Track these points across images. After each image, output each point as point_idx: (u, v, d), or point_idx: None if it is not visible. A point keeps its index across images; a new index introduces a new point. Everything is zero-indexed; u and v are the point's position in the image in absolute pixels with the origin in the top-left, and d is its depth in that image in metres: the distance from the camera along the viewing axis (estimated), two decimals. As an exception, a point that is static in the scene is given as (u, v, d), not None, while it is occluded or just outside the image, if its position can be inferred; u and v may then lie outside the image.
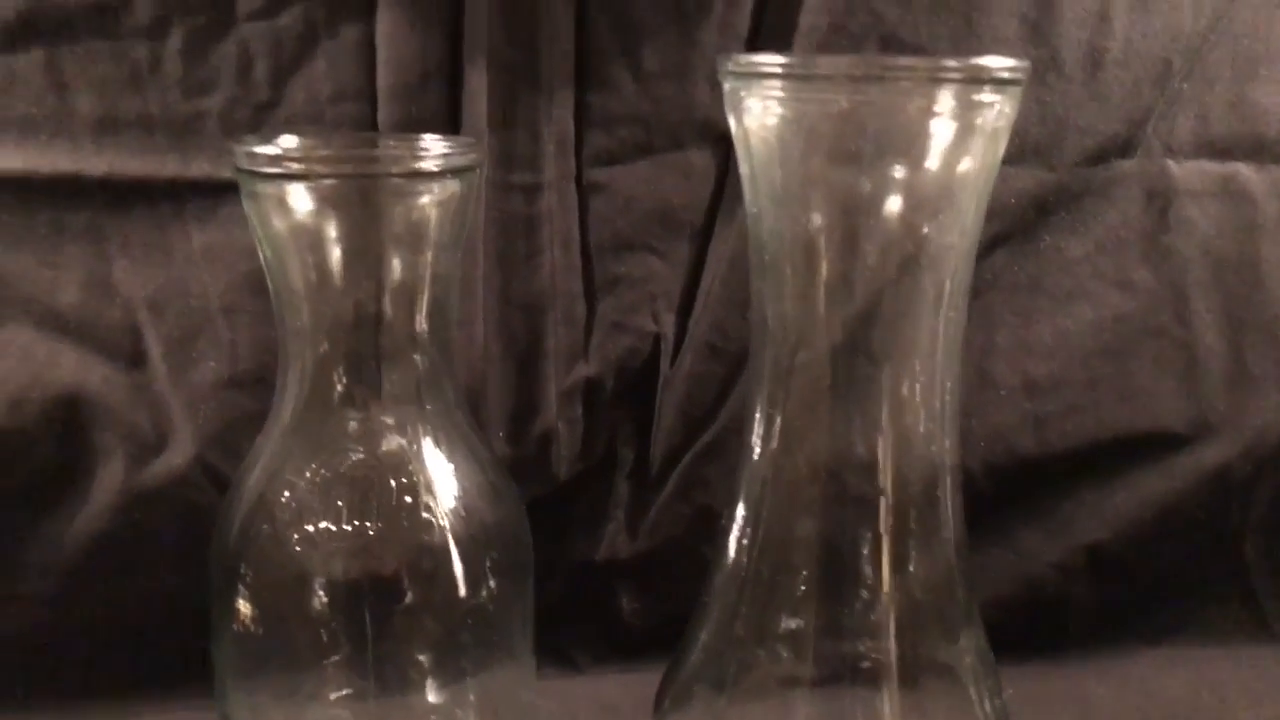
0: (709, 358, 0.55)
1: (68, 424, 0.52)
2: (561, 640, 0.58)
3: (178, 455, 0.53)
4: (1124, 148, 0.56)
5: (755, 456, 0.36)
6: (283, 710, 0.41)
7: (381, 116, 0.52)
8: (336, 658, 0.40)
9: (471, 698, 0.43)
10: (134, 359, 0.53)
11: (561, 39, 0.52)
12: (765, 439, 0.35)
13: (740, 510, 0.36)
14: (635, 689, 0.50)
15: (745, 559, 0.36)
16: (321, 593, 0.39)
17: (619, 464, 0.57)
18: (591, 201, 0.55)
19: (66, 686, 0.54)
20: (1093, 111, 0.55)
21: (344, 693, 0.40)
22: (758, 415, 0.35)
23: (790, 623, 0.36)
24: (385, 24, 0.51)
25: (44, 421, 0.52)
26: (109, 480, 0.53)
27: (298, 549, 0.39)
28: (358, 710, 0.41)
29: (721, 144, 0.55)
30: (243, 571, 0.40)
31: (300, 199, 0.38)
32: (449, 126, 0.53)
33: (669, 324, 0.56)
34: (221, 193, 0.53)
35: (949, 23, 0.52)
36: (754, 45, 0.54)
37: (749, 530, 0.36)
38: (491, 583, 0.41)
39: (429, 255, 0.39)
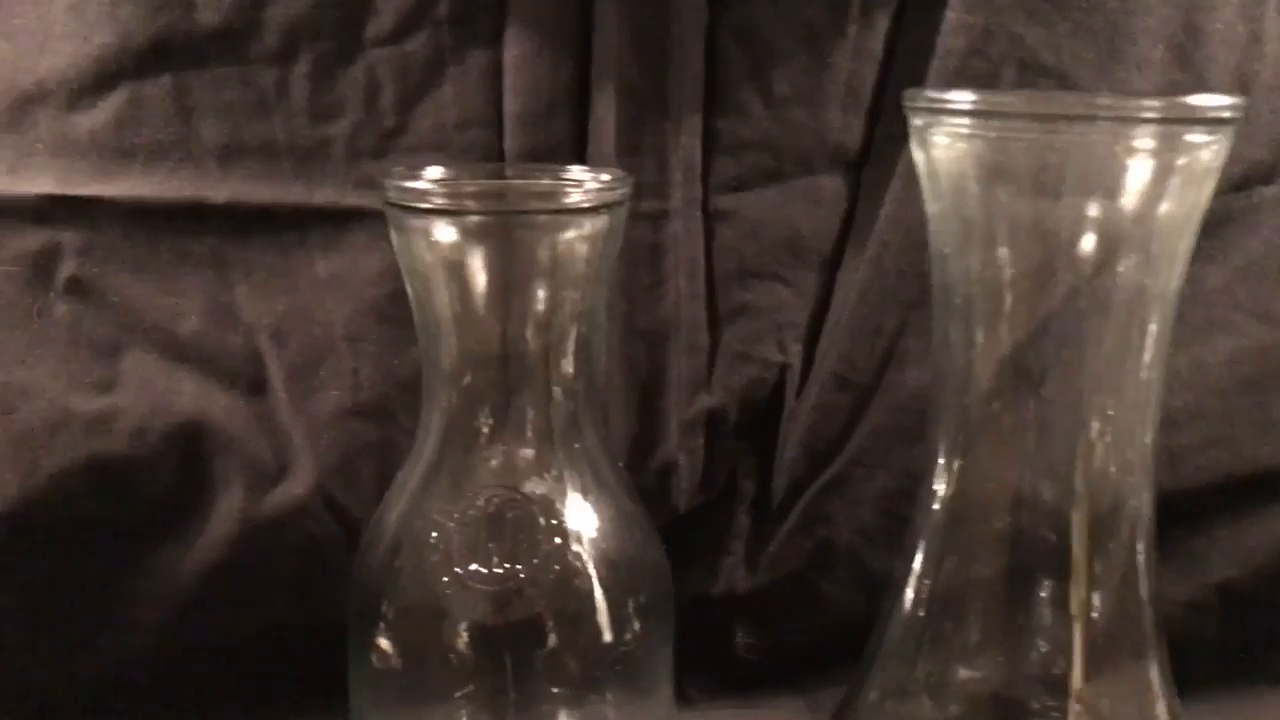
0: (836, 389, 0.54)
1: (188, 453, 0.51)
2: (674, 673, 0.56)
3: (297, 485, 0.52)
4: (1268, 174, 0.54)
5: (935, 504, 0.34)
6: None
7: (508, 144, 0.51)
8: (475, 694, 0.39)
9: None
10: (255, 387, 0.52)
11: (691, 63, 0.51)
12: (947, 484, 0.34)
13: (919, 558, 0.35)
14: None
15: (923, 609, 0.35)
16: (466, 633, 0.39)
17: (739, 496, 0.56)
18: (718, 229, 0.54)
19: (180, 718, 0.53)
20: (1238, 137, 0.53)
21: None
22: (940, 460, 0.34)
23: (970, 673, 0.35)
24: (514, 50, 0.50)
25: (164, 450, 0.51)
26: (227, 509, 0.52)
27: (446, 590, 0.38)
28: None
29: (853, 170, 0.53)
30: (384, 610, 0.39)
31: (449, 233, 0.37)
32: (575, 153, 0.52)
33: (795, 354, 0.54)
34: (346, 220, 0.52)
35: (1093, 47, 0.50)
36: (889, 68, 0.52)
37: (928, 579, 0.35)
38: (636, 626, 0.40)
39: (577, 290, 0.38)
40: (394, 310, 0.50)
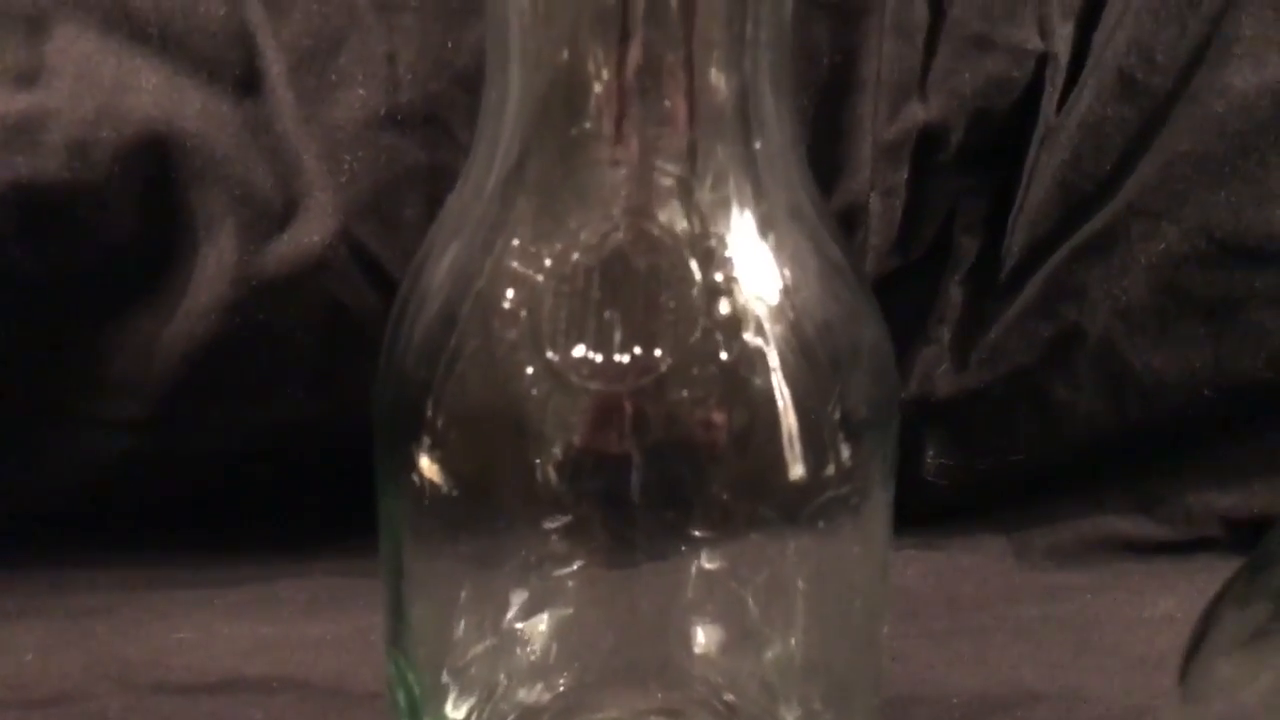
0: (1120, 96, 0.43)
1: (153, 180, 0.43)
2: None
3: (312, 229, 0.43)
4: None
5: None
6: (482, 583, 0.32)
7: None
8: (569, 522, 0.29)
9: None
10: (245, 82, 0.43)
11: None
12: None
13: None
14: (931, 570, 0.47)
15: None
16: (562, 462, 0.27)
17: (954, 259, 0.46)
18: None
19: (160, 538, 0.46)
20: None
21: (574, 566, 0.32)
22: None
23: None
24: None
25: (119, 176, 0.42)
26: (215, 265, 0.43)
27: (532, 387, 0.26)
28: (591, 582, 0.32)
29: None
30: (429, 418, 0.27)
31: None
32: None
33: (1063, 39, 0.44)
34: None
35: None
36: None
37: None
38: (845, 452, 0.27)
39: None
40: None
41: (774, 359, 0.26)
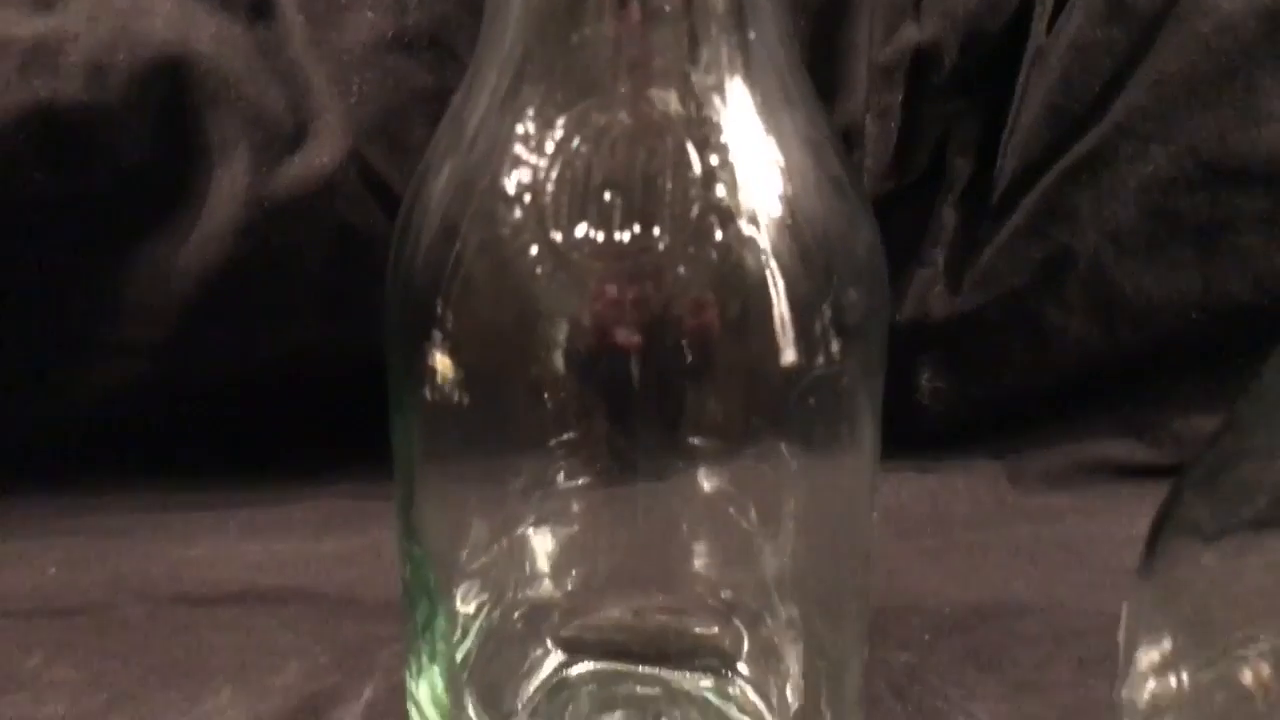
0: (1109, 18, 0.42)
1: (168, 103, 0.42)
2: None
3: (323, 151, 0.43)
4: None
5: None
6: (489, 500, 0.32)
7: None
8: (573, 435, 0.30)
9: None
10: (257, 6, 0.43)
11: None
12: None
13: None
14: (925, 492, 0.47)
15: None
16: (567, 338, 0.27)
17: (948, 181, 0.46)
18: None
19: (176, 459, 0.46)
20: None
21: (580, 481, 0.32)
22: None
23: None
24: None
25: (136, 99, 0.42)
26: (229, 187, 0.43)
27: (537, 267, 0.26)
28: (595, 499, 0.32)
29: None
30: (438, 310, 0.27)
31: None
32: None
33: None
34: None
35: None
36: None
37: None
38: (835, 345, 0.28)
39: None
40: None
41: (767, 240, 0.26)
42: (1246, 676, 0.22)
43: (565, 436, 0.30)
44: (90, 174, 0.42)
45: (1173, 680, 0.23)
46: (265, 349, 0.45)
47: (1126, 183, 0.43)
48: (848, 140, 0.44)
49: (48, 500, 0.45)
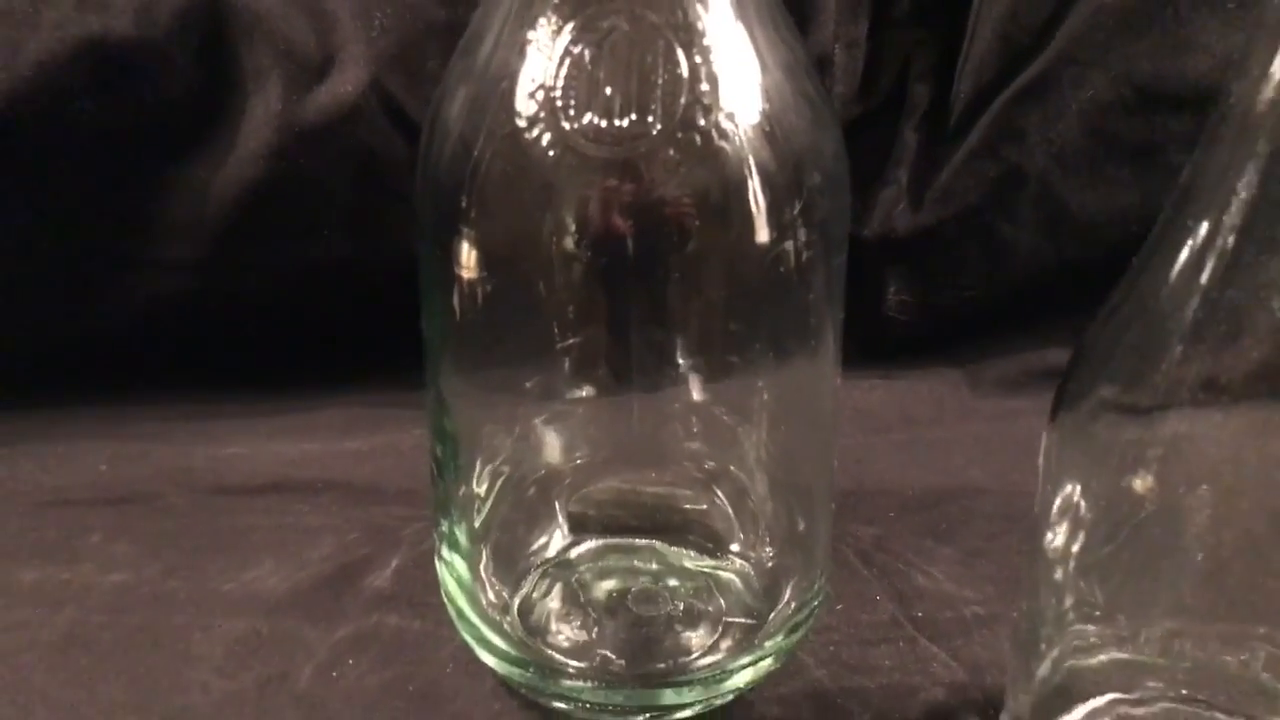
0: None
1: (208, 38, 0.43)
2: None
3: (347, 80, 0.44)
4: None
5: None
6: (506, 397, 0.34)
7: None
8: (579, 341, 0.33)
9: (762, 394, 0.34)
10: None
11: None
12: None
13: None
14: (893, 396, 0.48)
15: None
16: (577, 219, 0.30)
17: (909, 106, 0.48)
18: None
19: (213, 369, 0.48)
20: None
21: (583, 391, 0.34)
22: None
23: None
24: None
25: (179, 34, 0.43)
26: (263, 114, 0.44)
27: (550, 152, 0.29)
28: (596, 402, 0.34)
29: None
30: (463, 205, 0.30)
31: None
32: None
33: None
34: None
35: None
36: None
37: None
38: (802, 233, 0.30)
39: None
40: None
41: (744, 130, 0.29)
42: (1137, 485, 0.26)
43: (571, 311, 0.32)
44: (137, 104, 0.43)
45: (1082, 506, 0.27)
46: (293, 265, 0.46)
47: (1069, 106, 0.45)
48: (820, 69, 0.44)
49: (96, 405, 0.46)
